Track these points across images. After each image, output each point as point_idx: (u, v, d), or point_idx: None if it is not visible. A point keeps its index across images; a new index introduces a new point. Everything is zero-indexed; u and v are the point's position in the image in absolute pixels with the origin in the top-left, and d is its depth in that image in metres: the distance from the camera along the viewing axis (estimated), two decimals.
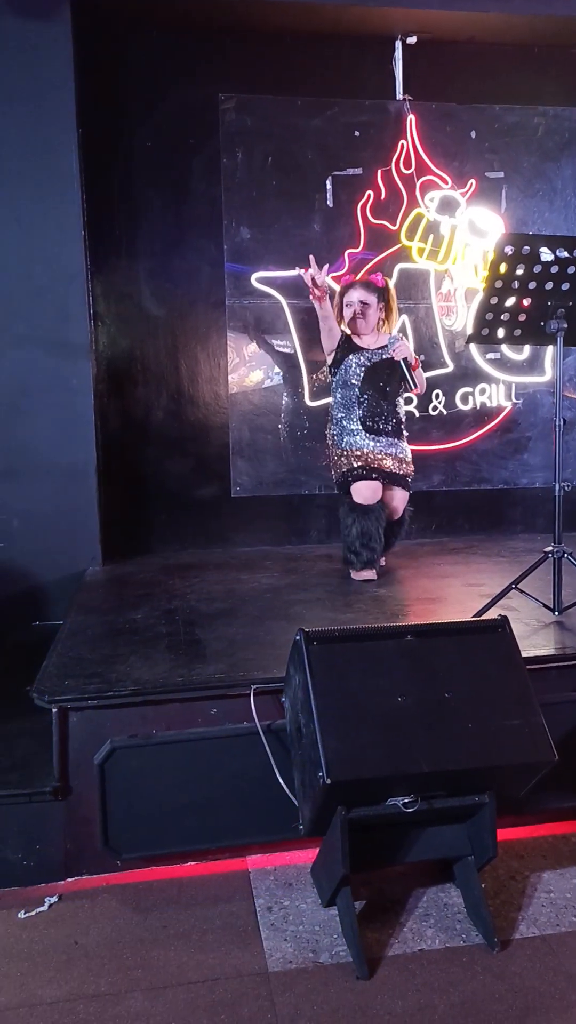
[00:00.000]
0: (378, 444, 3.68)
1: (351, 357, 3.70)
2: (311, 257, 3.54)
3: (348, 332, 3.76)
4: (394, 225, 4.67)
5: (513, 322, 3.02)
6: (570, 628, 2.96)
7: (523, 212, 4.82)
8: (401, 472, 3.74)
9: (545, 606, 3.07)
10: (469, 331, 3.23)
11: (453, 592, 3.53)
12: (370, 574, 3.73)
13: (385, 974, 2.02)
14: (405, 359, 3.62)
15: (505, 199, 4.79)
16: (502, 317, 3.00)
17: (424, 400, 4.79)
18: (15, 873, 2.39)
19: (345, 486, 3.70)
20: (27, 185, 3.95)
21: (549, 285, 2.93)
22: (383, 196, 4.64)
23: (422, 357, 4.53)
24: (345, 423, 3.71)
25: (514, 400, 4.92)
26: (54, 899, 2.33)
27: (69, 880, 2.40)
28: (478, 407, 4.89)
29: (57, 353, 4.05)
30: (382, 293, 3.76)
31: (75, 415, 4.09)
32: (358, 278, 3.91)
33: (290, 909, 2.28)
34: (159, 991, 1.97)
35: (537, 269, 2.89)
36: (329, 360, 3.78)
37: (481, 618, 2.93)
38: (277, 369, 4.69)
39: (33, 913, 2.28)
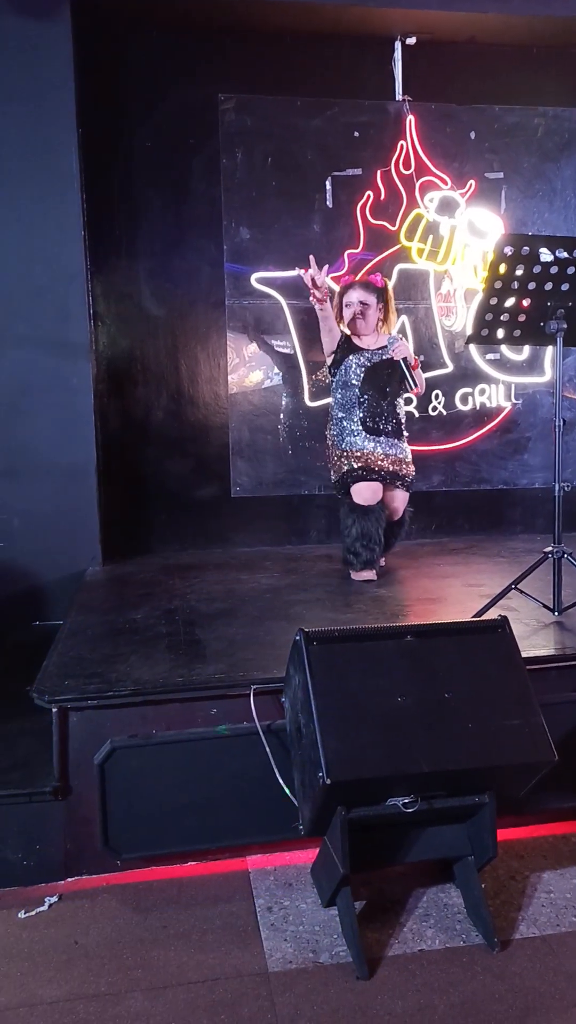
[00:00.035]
0: (378, 445, 3.68)
1: (351, 357, 3.71)
2: (311, 257, 3.55)
3: (348, 332, 3.76)
4: (394, 226, 4.67)
5: (513, 323, 3.02)
6: (570, 628, 2.96)
7: (523, 213, 4.82)
8: (401, 473, 3.74)
9: (545, 606, 3.07)
10: (469, 332, 3.23)
11: (453, 592, 3.53)
12: (370, 574, 3.73)
13: (385, 974, 2.02)
14: (405, 359, 3.62)
15: (505, 200, 4.80)
16: (502, 318, 3.00)
17: (424, 401, 4.79)
18: (15, 873, 2.39)
19: (345, 487, 3.70)
20: (27, 185, 3.95)
21: (549, 286, 2.93)
22: (383, 196, 4.64)
23: (421, 357, 4.53)
24: (345, 423, 3.71)
25: (514, 400, 4.92)
26: (54, 899, 2.33)
27: (69, 880, 2.40)
28: (478, 407, 4.89)
29: (57, 353, 4.05)
30: (381, 293, 3.76)
31: (75, 415, 4.09)
32: (357, 278, 3.91)
33: (290, 909, 2.28)
34: (159, 991, 1.97)
35: (537, 270, 2.89)
36: (329, 361, 3.78)
37: (481, 618, 2.93)
38: (277, 369, 4.69)
39: (33, 913, 2.28)
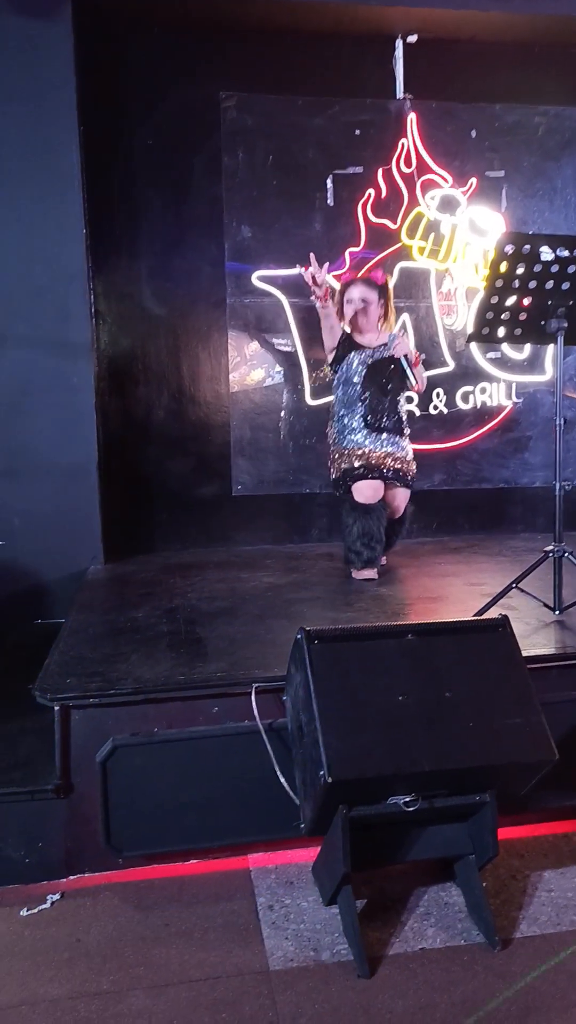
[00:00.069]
0: (380, 442, 3.68)
1: (352, 354, 3.70)
2: (311, 255, 3.54)
3: (349, 330, 3.76)
4: (395, 224, 4.67)
5: (514, 321, 3.02)
6: (570, 627, 2.96)
7: (523, 211, 4.82)
8: (403, 471, 3.74)
9: (546, 605, 3.07)
10: (470, 330, 3.23)
11: (454, 591, 3.53)
12: (371, 573, 3.73)
13: (386, 973, 2.02)
14: (406, 356, 3.62)
15: (505, 198, 4.79)
16: (502, 316, 2.99)
17: (425, 399, 4.79)
18: (17, 871, 2.39)
19: (346, 485, 3.70)
20: (28, 185, 3.95)
21: (550, 284, 2.93)
22: (384, 195, 4.64)
23: (423, 356, 4.53)
24: (347, 421, 3.71)
25: (515, 399, 4.92)
26: (56, 897, 2.34)
27: (71, 878, 2.41)
28: (479, 406, 4.89)
29: (58, 352, 4.05)
30: (383, 290, 3.76)
31: (76, 414, 4.09)
32: (359, 275, 3.91)
33: (291, 908, 2.28)
34: (161, 989, 1.98)
35: (537, 268, 2.89)
36: (330, 358, 3.78)
37: (482, 617, 2.93)
38: (278, 368, 4.70)
39: (35, 911, 2.28)
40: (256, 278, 4.59)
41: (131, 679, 2.48)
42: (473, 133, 4.72)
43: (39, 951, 2.12)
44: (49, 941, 2.16)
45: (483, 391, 4.89)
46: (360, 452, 3.66)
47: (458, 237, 4.74)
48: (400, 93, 4.62)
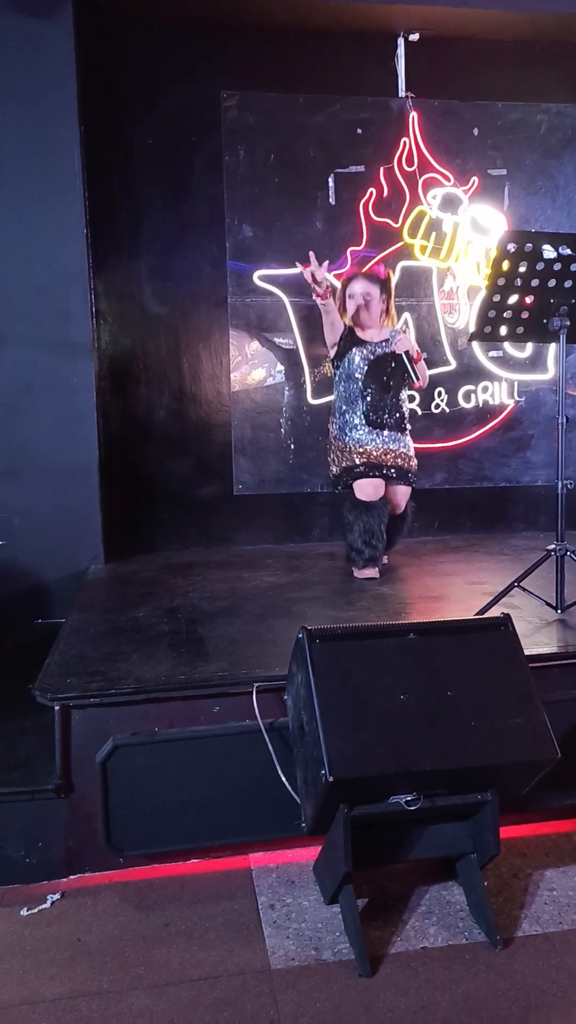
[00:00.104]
0: (381, 439, 3.67)
1: (354, 350, 3.69)
2: (311, 254, 3.53)
3: (351, 325, 3.74)
4: (396, 223, 4.66)
5: (516, 320, 3.01)
6: (572, 626, 2.96)
7: (526, 209, 4.81)
8: (404, 467, 3.73)
9: (547, 604, 3.07)
10: (471, 329, 3.22)
11: (455, 590, 3.52)
12: (373, 572, 3.73)
13: (387, 972, 2.02)
14: (407, 352, 3.61)
15: (508, 196, 4.79)
16: (505, 315, 2.99)
17: (426, 398, 4.79)
18: (17, 870, 2.39)
19: (347, 483, 3.69)
20: (28, 184, 3.95)
21: (552, 283, 2.92)
22: (385, 193, 4.63)
23: (425, 355, 4.52)
24: (348, 417, 3.70)
25: (516, 398, 4.91)
26: (56, 896, 2.34)
27: (71, 877, 2.41)
28: (480, 405, 4.89)
29: (59, 352, 4.05)
30: (385, 285, 3.75)
31: (77, 414, 4.09)
32: (360, 270, 3.90)
33: (292, 907, 2.28)
34: (161, 988, 1.97)
35: (540, 267, 2.88)
36: (332, 353, 3.77)
37: (483, 616, 2.93)
38: (279, 367, 4.69)
39: (35, 910, 2.28)
40: (257, 277, 4.58)
41: (132, 679, 2.48)
42: (475, 131, 4.72)
43: (40, 950, 2.12)
44: (50, 940, 2.16)
45: (485, 390, 4.88)
46: (361, 450, 3.66)
47: (460, 236, 4.73)
48: (402, 91, 4.61)
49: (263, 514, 4.73)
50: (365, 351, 3.68)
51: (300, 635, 2.21)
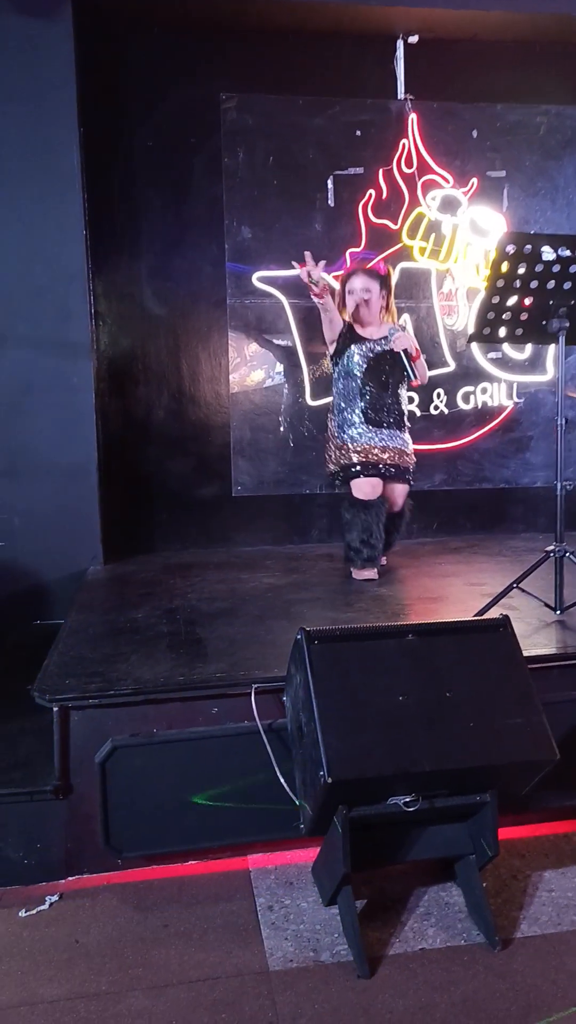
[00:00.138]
0: (379, 437, 3.66)
1: (353, 347, 3.68)
2: (307, 253, 3.52)
3: (350, 322, 3.73)
4: (395, 224, 4.67)
5: (515, 321, 3.01)
6: (571, 627, 2.96)
7: (525, 211, 4.82)
8: (402, 465, 3.72)
9: (547, 605, 3.07)
10: (471, 330, 3.22)
11: (454, 591, 3.52)
12: (371, 573, 3.73)
13: (386, 973, 2.02)
14: (405, 350, 3.60)
15: (507, 198, 4.79)
16: (504, 316, 2.99)
17: (425, 399, 4.79)
18: (16, 872, 2.39)
19: (344, 481, 3.69)
20: (28, 185, 3.95)
21: (551, 284, 2.93)
22: (384, 195, 4.64)
23: (424, 356, 4.52)
24: (347, 414, 3.69)
25: (515, 399, 4.92)
26: (55, 898, 2.33)
27: (70, 879, 2.40)
28: (479, 406, 4.89)
29: (58, 352, 4.05)
30: (384, 281, 3.75)
31: (76, 414, 4.09)
32: (360, 266, 3.89)
33: (291, 908, 2.27)
34: (160, 990, 1.97)
35: (539, 268, 2.89)
36: (331, 350, 3.77)
37: (482, 617, 2.93)
38: (278, 368, 4.69)
39: (34, 912, 2.28)
40: (256, 279, 4.59)
41: (131, 680, 2.48)
42: (474, 133, 4.72)
43: (38, 952, 2.12)
44: (48, 942, 2.15)
45: (484, 391, 4.89)
46: (358, 448, 3.65)
47: (459, 237, 4.73)
48: (401, 93, 4.62)
49: (262, 515, 4.73)
50: (364, 348, 3.67)
51: (299, 636, 2.21)
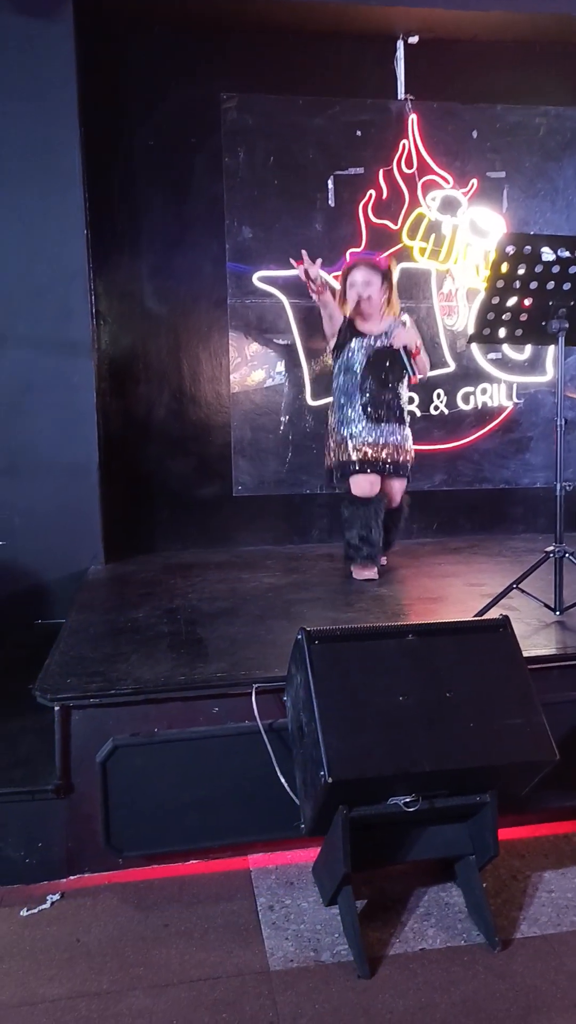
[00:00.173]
0: (378, 432, 3.65)
1: (353, 342, 3.67)
2: (303, 252, 3.51)
3: (351, 317, 3.70)
4: (395, 224, 4.67)
5: (514, 322, 3.02)
6: (571, 628, 2.96)
7: (525, 212, 4.82)
8: (400, 461, 3.71)
9: (546, 606, 3.07)
10: (470, 331, 3.23)
11: (454, 592, 3.53)
12: (371, 573, 3.73)
13: (386, 973, 2.02)
14: (405, 347, 3.59)
15: (507, 199, 4.79)
16: (503, 317, 2.99)
17: (425, 400, 4.79)
18: (17, 871, 2.39)
19: (342, 477, 3.69)
20: (29, 184, 3.96)
21: (551, 285, 2.93)
22: (385, 195, 4.64)
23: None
24: (346, 410, 3.68)
25: (515, 400, 4.92)
26: (56, 897, 2.34)
27: (71, 878, 2.41)
28: (479, 407, 4.89)
29: (59, 351, 4.05)
30: (386, 275, 3.74)
31: (77, 413, 4.09)
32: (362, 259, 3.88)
33: (291, 908, 2.28)
34: (161, 989, 1.98)
35: (539, 269, 2.89)
36: (331, 345, 3.76)
37: (482, 618, 2.93)
38: (279, 368, 4.70)
39: (35, 911, 2.28)
40: (257, 279, 4.59)
41: (131, 679, 2.48)
42: (474, 134, 4.72)
43: (39, 951, 2.12)
44: (49, 941, 2.16)
45: (484, 392, 4.89)
46: (357, 445, 3.63)
47: (459, 238, 4.74)
48: (401, 93, 4.62)
49: (262, 515, 4.74)
50: (364, 343, 3.65)
51: (299, 636, 2.21)
